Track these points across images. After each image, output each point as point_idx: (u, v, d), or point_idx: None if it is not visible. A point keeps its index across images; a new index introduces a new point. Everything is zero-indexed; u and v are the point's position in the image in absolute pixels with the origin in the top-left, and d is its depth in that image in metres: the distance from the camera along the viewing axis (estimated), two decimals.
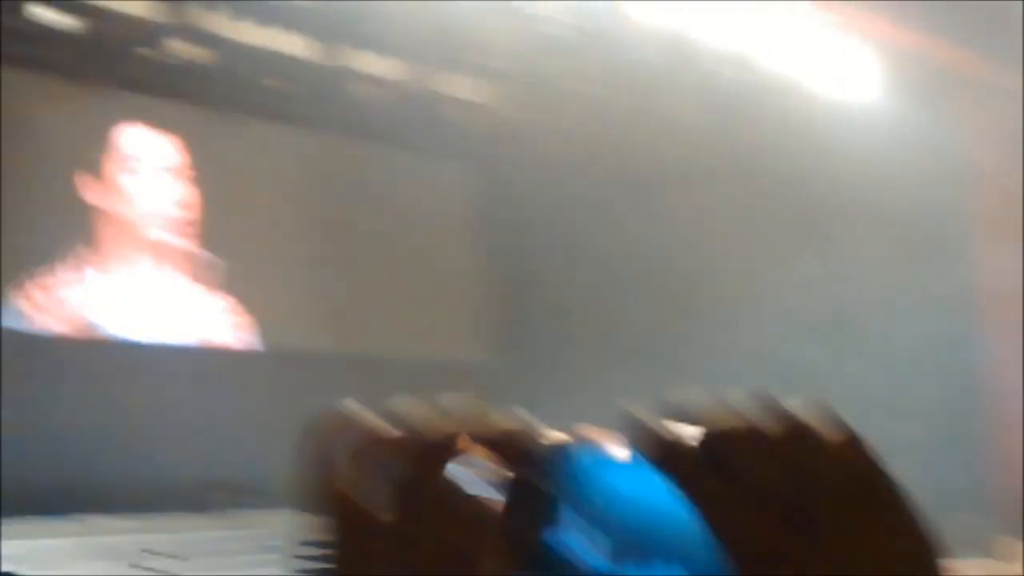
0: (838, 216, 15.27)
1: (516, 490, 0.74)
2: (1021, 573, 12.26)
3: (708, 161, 15.82)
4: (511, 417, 0.76)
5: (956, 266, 15.37)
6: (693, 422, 0.73)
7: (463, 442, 0.77)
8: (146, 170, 15.19)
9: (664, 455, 0.73)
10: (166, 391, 14.26)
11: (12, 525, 11.47)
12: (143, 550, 12.52)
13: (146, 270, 15.24)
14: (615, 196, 16.01)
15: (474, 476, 0.77)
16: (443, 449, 0.79)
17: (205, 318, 15.64)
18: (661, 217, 16.11)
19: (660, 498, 0.68)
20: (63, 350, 14.15)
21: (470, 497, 0.76)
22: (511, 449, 0.76)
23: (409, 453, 0.78)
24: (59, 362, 13.89)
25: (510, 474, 0.76)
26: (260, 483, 14.56)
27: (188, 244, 15.47)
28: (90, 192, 14.68)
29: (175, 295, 15.40)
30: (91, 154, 14.70)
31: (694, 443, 0.72)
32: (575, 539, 0.70)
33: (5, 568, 9.62)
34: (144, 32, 14.29)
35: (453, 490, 0.77)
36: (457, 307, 17.47)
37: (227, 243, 15.56)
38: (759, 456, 0.71)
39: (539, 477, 0.72)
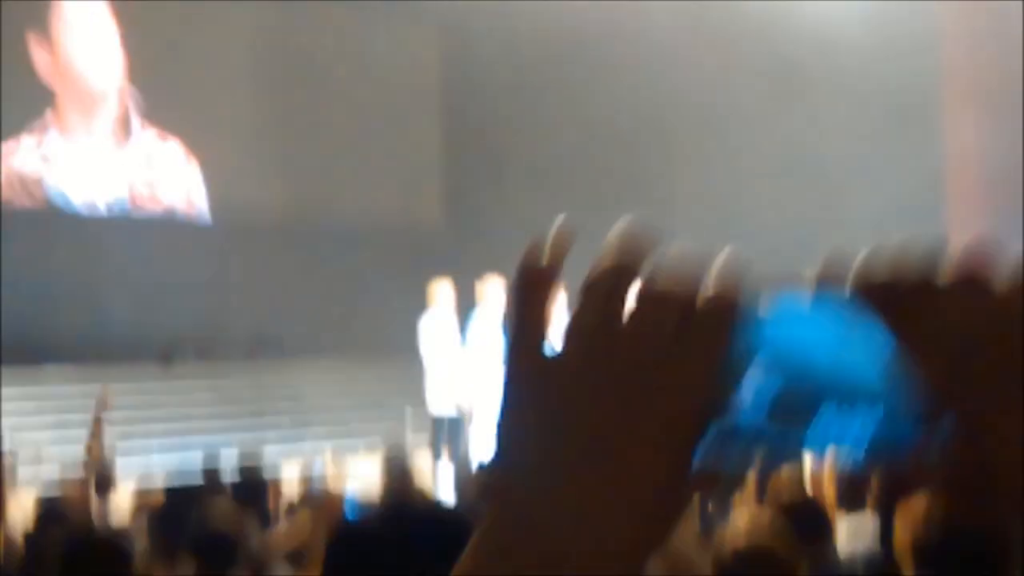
0: (814, 82, 15.18)
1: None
2: None
3: (683, 31, 15.67)
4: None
5: (929, 134, 15.33)
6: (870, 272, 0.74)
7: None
8: (93, 37, 15.04)
9: (879, 295, 0.73)
10: (124, 259, 14.33)
11: None
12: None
13: (100, 141, 15.19)
14: (589, 64, 15.89)
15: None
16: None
17: (161, 187, 15.64)
18: (637, 87, 16.03)
19: (853, 342, 0.73)
20: (20, 219, 14.18)
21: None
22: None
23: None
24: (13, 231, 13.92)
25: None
26: (219, 336, 14.77)
27: (143, 116, 15.42)
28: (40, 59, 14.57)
29: (128, 165, 15.38)
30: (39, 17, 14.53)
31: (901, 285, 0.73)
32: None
33: None
34: None
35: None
36: (417, 173, 17.45)
37: (189, 112, 15.51)
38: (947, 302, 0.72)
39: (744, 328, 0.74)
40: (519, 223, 16.01)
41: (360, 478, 8.97)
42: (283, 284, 15.29)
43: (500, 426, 0.78)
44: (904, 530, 3.34)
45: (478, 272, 13.02)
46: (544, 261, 0.78)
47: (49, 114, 14.71)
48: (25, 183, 14.54)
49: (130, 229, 14.89)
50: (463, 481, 8.14)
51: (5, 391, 11.82)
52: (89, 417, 12.09)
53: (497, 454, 0.78)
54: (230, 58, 15.65)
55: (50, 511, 5.56)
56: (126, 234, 14.64)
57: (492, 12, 16.14)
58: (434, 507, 2.15)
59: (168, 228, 15.24)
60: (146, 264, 14.37)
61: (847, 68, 14.68)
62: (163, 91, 15.30)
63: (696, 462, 0.73)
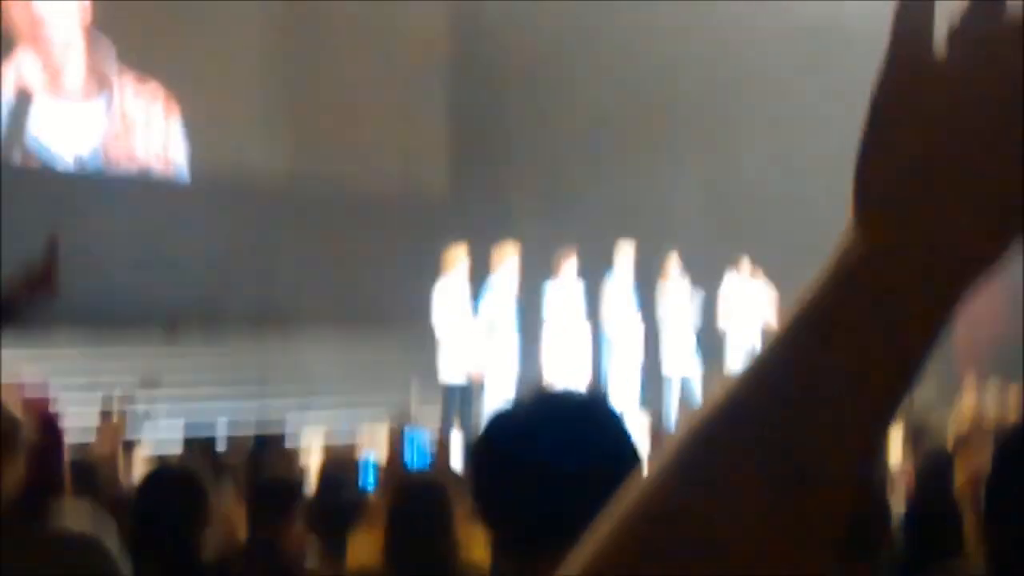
0: (831, 55, 15.00)
1: None
2: None
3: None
4: None
5: None
6: None
7: None
8: None
9: None
10: (121, 220, 14.16)
11: None
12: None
13: (98, 98, 15.02)
14: (600, 28, 15.75)
15: None
16: None
17: (164, 147, 15.48)
18: (650, 50, 15.90)
19: None
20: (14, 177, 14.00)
21: None
22: None
23: None
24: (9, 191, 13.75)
25: None
26: (224, 309, 14.63)
27: (144, 73, 15.25)
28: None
29: (130, 123, 15.21)
30: None
31: None
32: None
33: None
34: None
35: None
36: (426, 136, 17.32)
37: (194, 71, 15.33)
38: None
39: None
40: (527, 191, 16.02)
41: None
42: (287, 252, 15.14)
43: (871, 149, 0.69)
44: None
45: (485, 241, 12.99)
46: None
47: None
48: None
49: (124, 189, 14.70)
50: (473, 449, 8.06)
51: (13, 353, 11.64)
52: (97, 381, 12.04)
53: (866, 183, 0.69)
54: (232, 13, 15.44)
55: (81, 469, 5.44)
56: (117, 194, 14.43)
57: None
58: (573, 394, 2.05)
59: (165, 190, 15.06)
60: (149, 228, 14.20)
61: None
62: (152, 40, 15.05)
63: None
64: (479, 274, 12.76)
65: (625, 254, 13.62)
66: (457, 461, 6.81)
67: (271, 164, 15.97)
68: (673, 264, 13.75)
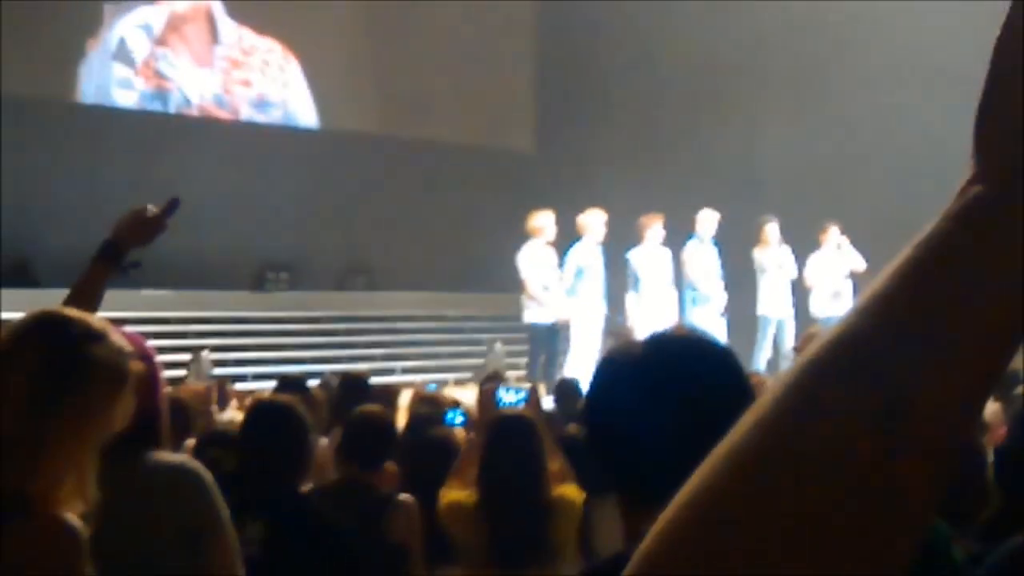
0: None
1: None
2: None
3: None
4: None
5: None
6: None
7: None
8: None
9: None
10: (221, 166, 14.27)
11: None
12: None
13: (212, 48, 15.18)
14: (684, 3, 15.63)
15: None
16: None
17: (263, 95, 15.60)
18: (717, 19, 15.77)
19: None
20: (123, 121, 14.15)
21: None
22: None
23: None
24: (113, 133, 13.90)
25: None
26: (311, 265, 14.74)
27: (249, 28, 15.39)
28: None
29: (237, 72, 15.36)
30: None
31: None
32: None
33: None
34: None
35: None
36: (510, 99, 17.31)
37: (289, 26, 15.43)
38: None
39: None
40: (615, 156, 15.97)
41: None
42: (374, 208, 15.20)
43: (991, 95, 0.68)
44: None
45: (574, 202, 12.97)
46: None
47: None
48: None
49: (219, 136, 14.83)
50: (559, 386, 8.14)
51: (103, 314, 11.83)
52: (184, 343, 12.23)
53: (985, 130, 0.68)
54: None
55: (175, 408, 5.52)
56: (210, 140, 14.56)
57: None
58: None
59: (256, 141, 15.16)
60: (242, 172, 14.31)
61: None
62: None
63: None
64: (564, 238, 12.75)
65: (710, 220, 13.55)
66: (547, 402, 6.85)
67: (363, 112, 16.03)
68: (772, 231, 13.67)
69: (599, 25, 16.26)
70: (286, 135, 15.49)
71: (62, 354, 2.24)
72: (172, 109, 14.99)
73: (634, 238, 13.19)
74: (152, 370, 3.09)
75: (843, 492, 0.63)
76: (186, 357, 11.71)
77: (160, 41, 14.77)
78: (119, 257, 3.34)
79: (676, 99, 16.18)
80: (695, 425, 1.64)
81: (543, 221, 12.42)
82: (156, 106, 14.89)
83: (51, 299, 3.09)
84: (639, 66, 16.34)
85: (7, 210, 12.51)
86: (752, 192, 15.14)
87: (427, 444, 5.18)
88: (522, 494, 4.19)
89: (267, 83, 15.62)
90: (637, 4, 15.87)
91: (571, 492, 4.30)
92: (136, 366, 2.37)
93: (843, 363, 0.65)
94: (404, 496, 4.64)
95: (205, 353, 11.80)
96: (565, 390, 7.75)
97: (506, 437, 4.31)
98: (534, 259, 12.27)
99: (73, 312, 2.41)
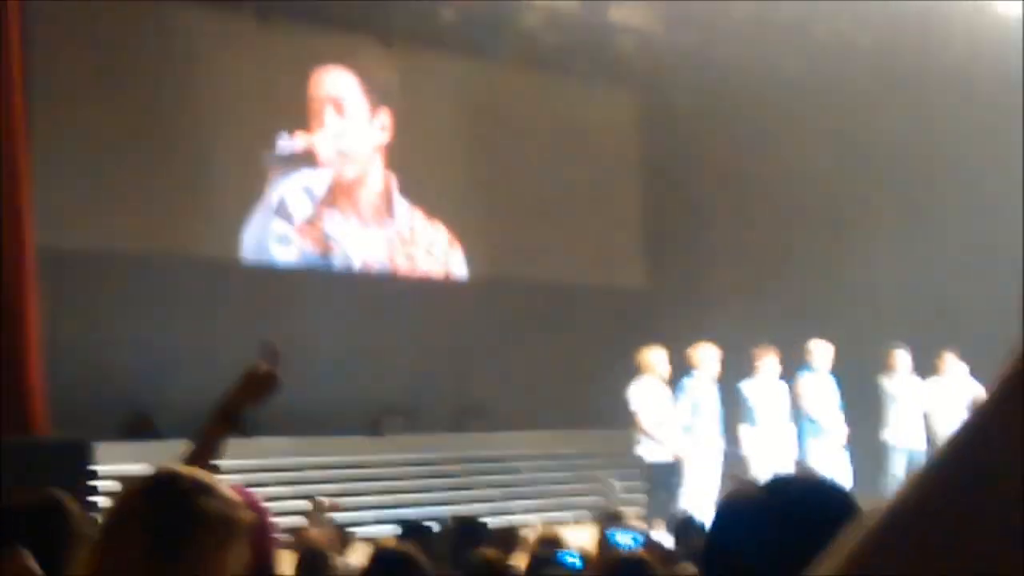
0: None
1: None
2: None
3: (873, 86, 15.46)
4: None
5: None
6: None
7: None
8: (346, 109, 15.57)
9: None
10: (334, 317, 14.50)
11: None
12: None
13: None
14: (790, 114, 15.70)
15: None
16: None
17: (375, 245, 15.87)
18: (825, 146, 15.81)
19: None
20: (232, 275, 14.45)
21: None
22: None
23: None
24: (228, 289, 14.19)
25: None
26: (427, 409, 14.81)
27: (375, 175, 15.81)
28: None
29: (339, 221, 15.66)
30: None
31: None
32: None
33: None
34: None
35: None
36: (620, 233, 17.42)
37: (404, 174, 15.80)
38: None
39: None
40: (723, 288, 15.95)
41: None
42: (486, 352, 15.32)
43: None
44: None
45: (685, 337, 12.94)
46: None
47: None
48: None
49: (332, 286, 15.10)
50: (679, 524, 8.05)
51: (223, 463, 11.96)
52: (301, 491, 12.31)
53: None
54: (440, 119, 15.92)
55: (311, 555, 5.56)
56: (339, 291, 14.87)
57: (691, 67, 16.12)
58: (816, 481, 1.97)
59: (370, 288, 15.41)
60: (357, 319, 14.55)
61: None
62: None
63: None
64: (676, 374, 12.70)
65: (823, 351, 13.42)
66: (665, 539, 6.79)
67: (471, 267, 16.26)
68: (901, 358, 13.52)
69: (706, 154, 16.38)
70: (397, 284, 15.72)
71: (175, 507, 2.29)
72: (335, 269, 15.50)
73: (747, 372, 13.11)
74: (263, 521, 3.13)
75: None
76: (304, 504, 11.77)
77: (327, 202, 15.35)
78: (236, 419, 3.41)
79: (785, 226, 16.17)
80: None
81: (654, 357, 12.41)
82: (317, 264, 15.39)
83: (172, 450, 3.18)
84: (747, 195, 16.38)
85: (132, 365, 12.82)
86: (868, 321, 15.01)
87: None
88: None
89: (431, 263, 16.13)
90: (742, 130, 15.98)
91: None
92: (248, 515, 2.42)
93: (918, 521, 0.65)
94: None
95: (323, 500, 11.84)
96: (685, 527, 7.67)
97: None
98: (646, 395, 12.23)
99: (182, 467, 2.47)
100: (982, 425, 0.66)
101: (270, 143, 14.93)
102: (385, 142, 15.79)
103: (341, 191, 15.51)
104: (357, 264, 15.59)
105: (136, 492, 2.35)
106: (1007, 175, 14.23)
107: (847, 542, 0.67)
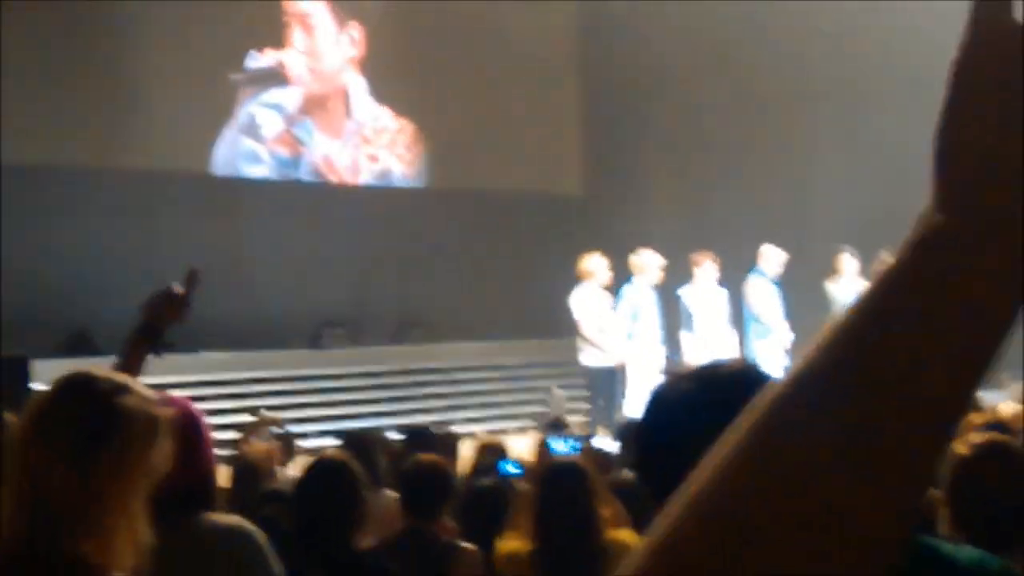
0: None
1: None
2: None
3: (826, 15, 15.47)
4: None
5: None
6: None
7: None
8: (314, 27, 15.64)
9: None
10: (274, 225, 14.47)
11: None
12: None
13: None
14: (731, 26, 15.65)
15: None
16: None
17: (315, 153, 15.82)
18: (768, 52, 15.78)
19: None
20: (171, 187, 14.33)
21: None
22: None
23: None
24: (166, 201, 14.09)
25: None
26: (367, 320, 14.83)
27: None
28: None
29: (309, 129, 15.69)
30: None
31: None
32: None
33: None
34: None
35: None
36: (559, 143, 17.39)
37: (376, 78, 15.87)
38: None
39: None
40: (664, 195, 16.00)
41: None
42: (427, 259, 15.32)
43: (954, 115, 0.70)
44: None
45: (626, 245, 12.96)
46: None
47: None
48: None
49: (278, 195, 15.09)
50: (622, 427, 8.12)
51: (167, 379, 11.97)
52: (243, 404, 12.32)
53: (949, 152, 0.69)
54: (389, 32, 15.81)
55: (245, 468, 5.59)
56: (276, 201, 14.88)
57: None
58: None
59: (311, 196, 15.42)
60: (293, 231, 14.57)
61: None
62: None
63: None
64: (617, 281, 12.73)
65: (773, 256, 13.47)
66: (604, 442, 6.87)
67: (409, 175, 16.21)
68: (847, 262, 13.53)
69: (644, 63, 16.31)
70: (335, 192, 15.66)
71: (94, 404, 2.32)
72: (304, 175, 15.64)
73: (687, 278, 13.17)
74: (199, 431, 3.16)
75: (824, 512, 0.64)
76: (247, 417, 11.79)
77: (297, 114, 15.53)
78: (155, 337, 3.42)
79: (723, 135, 16.19)
80: None
81: (594, 264, 12.40)
82: (290, 172, 15.53)
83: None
84: (686, 103, 16.37)
85: (72, 280, 12.75)
86: (804, 225, 15.11)
87: (483, 494, 5.23)
88: (575, 541, 4.22)
89: (392, 160, 16.23)
90: (682, 42, 15.93)
91: (626, 536, 4.33)
92: (167, 412, 2.44)
93: (816, 395, 0.67)
94: (466, 545, 4.68)
95: (265, 412, 11.86)
96: (629, 432, 7.73)
97: (557, 486, 4.35)
98: (587, 303, 12.27)
99: (97, 370, 2.49)
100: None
101: (239, 63, 14.91)
102: (355, 55, 15.86)
103: (312, 104, 15.65)
104: (323, 169, 15.69)
105: (55, 392, 2.38)
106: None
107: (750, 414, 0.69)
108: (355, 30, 15.87)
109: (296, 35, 15.52)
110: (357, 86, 15.98)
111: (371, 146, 16.07)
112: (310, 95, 15.62)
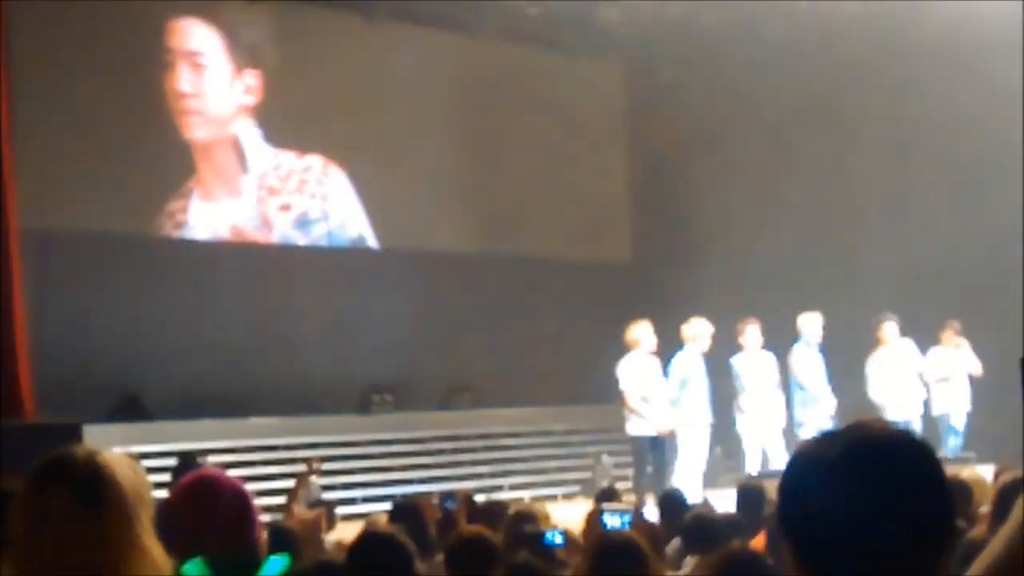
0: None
1: None
2: None
3: (857, 52, 15.46)
4: None
5: None
6: None
7: None
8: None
9: None
10: (319, 293, 14.53)
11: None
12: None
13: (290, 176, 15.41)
14: (777, 89, 15.69)
15: None
16: None
17: (355, 221, 15.80)
18: (811, 115, 15.78)
19: None
20: (218, 256, 14.42)
21: None
22: None
23: None
24: (214, 269, 14.17)
25: None
26: (415, 385, 14.82)
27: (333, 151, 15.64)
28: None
29: (322, 199, 15.57)
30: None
31: None
32: None
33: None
34: None
35: None
36: (608, 208, 17.40)
37: (380, 147, 15.67)
38: None
39: None
40: (711, 263, 15.93)
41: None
42: (476, 325, 15.30)
43: None
44: None
45: (673, 310, 12.91)
46: None
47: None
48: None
49: (312, 263, 15.10)
50: (664, 499, 8.03)
51: (217, 443, 12.03)
52: (292, 470, 12.34)
53: None
54: (415, 89, 15.78)
55: (282, 537, 5.57)
56: (314, 268, 14.89)
57: (676, 37, 16.10)
58: None
59: (355, 266, 15.39)
60: (342, 298, 14.61)
61: None
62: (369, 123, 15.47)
63: None
64: (667, 348, 12.68)
65: (813, 323, 13.41)
66: (651, 513, 6.80)
67: (457, 240, 16.17)
68: (890, 330, 13.49)
69: (692, 128, 16.33)
70: (382, 258, 15.68)
71: (94, 471, 2.39)
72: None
73: (735, 345, 13.12)
74: (249, 510, 3.17)
75: None
76: (294, 483, 11.80)
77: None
78: None
79: (775, 200, 16.16)
80: (895, 520, 1.69)
81: (641, 332, 12.37)
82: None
83: (162, 431, 3.20)
84: (734, 165, 16.32)
85: (120, 346, 12.86)
86: (854, 293, 15.02)
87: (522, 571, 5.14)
88: None
89: (305, 201, 15.49)
90: (728, 99, 15.94)
91: None
92: (148, 486, 2.51)
93: None
94: None
95: (313, 478, 11.88)
96: (670, 502, 7.68)
97: (611, 565, 4.26)
98: (633, 371, 12.22)
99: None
100: None
101: None
102: (250, 103, 14.99)
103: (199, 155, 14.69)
104: (221, 232, 14.74)
105: (54, 461, 2.43)
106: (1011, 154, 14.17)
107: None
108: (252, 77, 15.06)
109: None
110: (249, 135, 15.08)
111: (279, 196, 15.27)
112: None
